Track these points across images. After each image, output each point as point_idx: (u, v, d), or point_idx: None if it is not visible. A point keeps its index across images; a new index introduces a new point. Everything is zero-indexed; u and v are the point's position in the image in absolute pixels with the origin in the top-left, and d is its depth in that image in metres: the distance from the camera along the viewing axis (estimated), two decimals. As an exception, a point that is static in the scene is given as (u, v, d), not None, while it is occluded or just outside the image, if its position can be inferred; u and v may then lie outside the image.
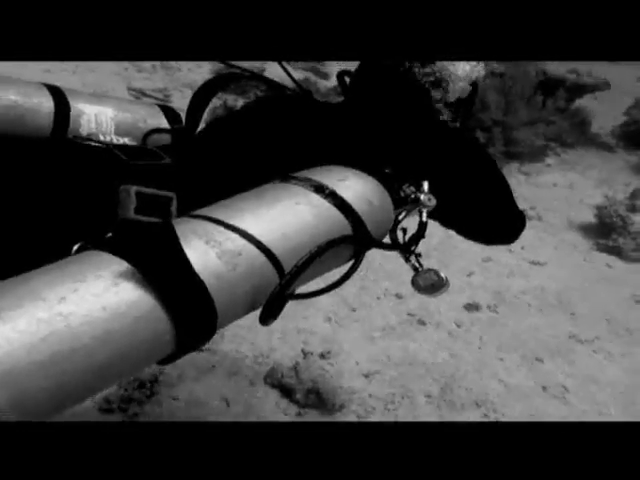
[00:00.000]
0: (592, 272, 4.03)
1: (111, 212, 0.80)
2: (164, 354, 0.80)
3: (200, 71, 6.48)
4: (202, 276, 0.80)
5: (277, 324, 2.95)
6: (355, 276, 3.49)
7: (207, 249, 0.84)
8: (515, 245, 4.24)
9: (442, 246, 4.00)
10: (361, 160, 1.22)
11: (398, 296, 3.31)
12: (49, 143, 1.13)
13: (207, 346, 2.61)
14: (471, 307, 3.27)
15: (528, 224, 5.25)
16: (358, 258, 1.17)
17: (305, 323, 2.92)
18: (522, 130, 6.02)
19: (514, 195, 1.60)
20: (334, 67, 7.67)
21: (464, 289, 3.50)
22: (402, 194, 1.30)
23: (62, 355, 0.64)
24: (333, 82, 6.87)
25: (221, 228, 0.89)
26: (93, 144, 1.07)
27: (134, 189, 0.78)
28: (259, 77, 1.42)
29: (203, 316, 0.81)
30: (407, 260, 1.36)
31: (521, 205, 5.42)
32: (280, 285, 0.93)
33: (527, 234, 4.57)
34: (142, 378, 2.26)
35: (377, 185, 1.19)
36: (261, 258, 0.91)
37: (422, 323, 3.07)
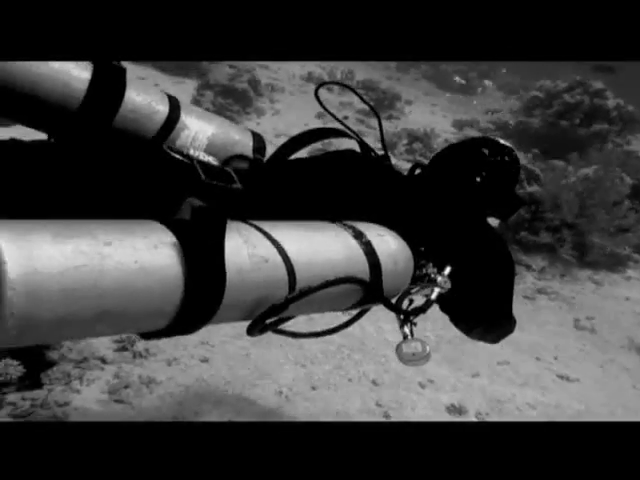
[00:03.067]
0: (636, 401, 3.35)
1: (170, 215, 0.93)
2: (157, 325, 0.87)
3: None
4: (228, 266, 0.89)
5: (219, 390, 2.71)
6: (336, 353, 3.18)
7: (242, 246, 0.95)
8: (546, 353, 3.71)
9: (458, 340, 3.58)
10: (406, 231, 1.34)
11: (374, 383, 2.94)
12: (147, 148, 1.30)
13: (131, 401, 2.46)
14: (454, 410, 2.81)
15: (573, 334, 4.59)
16: (360, 313, 1.23)
17: (251, 392, 2.67)
18: (597, 236, 5.43)
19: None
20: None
21: (458, 389, 3.04)
22: (424, 271, 1.40)
23: (84, 285, 0.73)
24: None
25: (261, 236, 1.00)
26: (180, 158, 1.22)
27: (197, 204, 0.88)
28: (360, 141, 1.56)
29: (211, 300, 0.88)
30: (401, 326, 1.38)
31: (577, 313, 4.80)
32: (284, 300, 1.00)
33: (568, 344, 4.00)
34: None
35: (408, 253, 1.30)
36: (282, 271, 0.99)
37: (387, 417, 2.68)
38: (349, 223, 1.24)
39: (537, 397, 3.12)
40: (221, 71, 9.30)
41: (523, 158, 7.45)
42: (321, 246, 1.11)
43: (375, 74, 11.92)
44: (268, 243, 1.00)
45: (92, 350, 2.71)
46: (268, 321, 1.06)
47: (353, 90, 1.68)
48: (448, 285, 1.40)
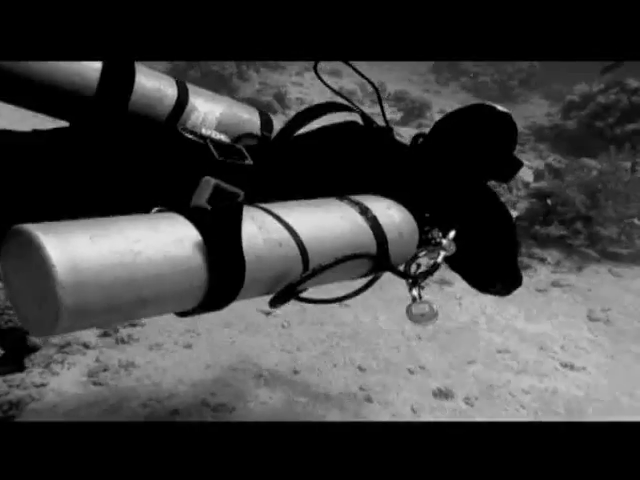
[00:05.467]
0: (645, 389, 3.16)
1: (187, 194, 1.01)
2: (189, 306, 0.98)
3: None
4: (246, 253, 0.98)
5: (197, 373, 2.70)
6: (325, 339, 3.13)
7: (257, 233, 1.04)
8: (553, 343, 3.56)
9: (457, 331, 3.47)
10: (410, 199, 1.41)
11: (360, 368, 2.88)
12: (162, 130, 1.37)
13: (108, 382, 2.47)
14: (441, 394, 2.71)
15: (586, 325, 4.42)
16: (372, 280, 1.31)
17: (230, 375, 2.64)
18: (610, 228, 5.23)
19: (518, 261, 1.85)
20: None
21: (449, 375, 2.94)
22: (430, 236, 1.48)
23: (121, 282, 0.83)
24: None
25: (274, 220, 1.09)
26: (194, 138, 1.29)
27: (213, 182, 0.97)
28: (362, 113, 1.61)
29: (233, 285, 0.98)
30: (410, 289, 1.46)
31: (592, 305, 4.65)
32: (299, 279, 1.10)
33: (578, 335, 3.84)
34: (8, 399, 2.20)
35: (412, 223, 1.39)
36: (295, 252, 1.09)
37: (369, 400, 2.61)
38: (355, 199, 1.30)
39: (534, 383, 2.98)
40: (250, 87, 9.46)
41: (552, 159, 7.28)
42: (330, 225, 1.20)
43: (411, 87, 11.78)
44: (281, 227, 1.09)
45: (76, 335, 2.75)
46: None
47: (351, 66, 1.62)
48: (453, 248, 1.47)
